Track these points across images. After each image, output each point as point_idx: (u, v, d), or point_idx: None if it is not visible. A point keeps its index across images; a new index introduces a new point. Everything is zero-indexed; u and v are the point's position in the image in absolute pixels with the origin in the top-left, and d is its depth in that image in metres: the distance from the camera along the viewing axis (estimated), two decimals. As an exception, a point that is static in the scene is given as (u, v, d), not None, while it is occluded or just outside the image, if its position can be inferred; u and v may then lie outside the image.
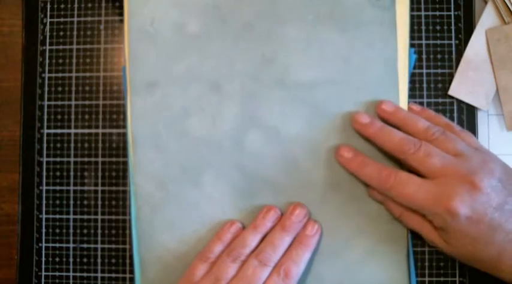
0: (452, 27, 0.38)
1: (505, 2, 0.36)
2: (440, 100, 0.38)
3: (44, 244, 0.39)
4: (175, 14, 0.37)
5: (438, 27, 0.38)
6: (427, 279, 0.37)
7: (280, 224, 0.34)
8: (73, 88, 0.39)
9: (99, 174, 0.39)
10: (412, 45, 0.38)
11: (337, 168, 0.36)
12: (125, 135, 0.39)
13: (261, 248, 0.33)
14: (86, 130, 0.39)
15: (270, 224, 0.35)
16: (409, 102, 0.37)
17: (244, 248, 0.33)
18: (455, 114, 0.38)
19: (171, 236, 0.37)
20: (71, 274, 0.39)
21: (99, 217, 0.39)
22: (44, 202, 0.39)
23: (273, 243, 0.33)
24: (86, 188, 0.39)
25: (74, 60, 0.40)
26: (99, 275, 0.38)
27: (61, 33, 0.40)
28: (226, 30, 0.37)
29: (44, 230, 0.39)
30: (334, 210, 0.36)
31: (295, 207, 0.35)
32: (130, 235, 0.38)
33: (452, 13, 0.38)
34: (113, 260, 0.38)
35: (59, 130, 0.39)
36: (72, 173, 0.39)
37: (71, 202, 0.39)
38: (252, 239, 0.34)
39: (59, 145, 0.39)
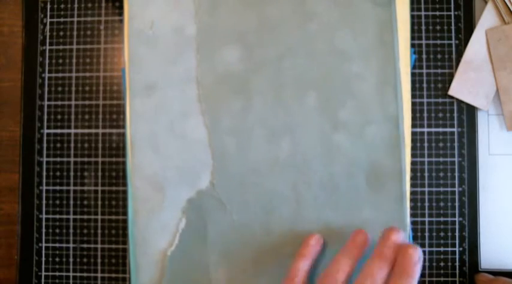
0: (452, 27, 0.38)
1: (505, 2, 0.36)
2: (440, 100, 0.38)
3: (44, 244, 0.39)
4: (174, 17, 0.38)
5: (438, 27, 0.38)
6: (427, 279, 0.37)
7: (377, 253, 0.31)
8: (73, 88, 0.39)
9: (99, 174, 0.39)
10: (412, 45, 0.38)
11: (334, 164, 0.36)
12: (124, 135, 0.39)
13: (360, 282, 0.30)
14: (86, 130, 0.39)
15: (362, 250, 0.32)
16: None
17: (339, 273, 0.31)
18: (455, 114, 0.38)
19: (167, 240, 0.37)
20: (71, 274, 0.39)
21: (99, 217, 0.39)
22: (44, 202, 0.39)
23: (372, 275, 0.30)
24: (86, 188, 0.39)
25: (74, 60, 0.40)
26: (99, 275, 0.38)
27: (61, 33, 0.40)
28: (225, 33, 0.37)
29: (44, 230, 0.39)
30: (333, 213, 0.36)
31: (391, 231, 0.31)
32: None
33: (452, 13, 0.38)
34: (113, 260, 0.38)
35: (59, 130, 0.39)
36: (72, 173, 0.39)
37: (71, 202, 0.39)
38: (346, 264, 0.31)
39: (59, 145, 0.39)
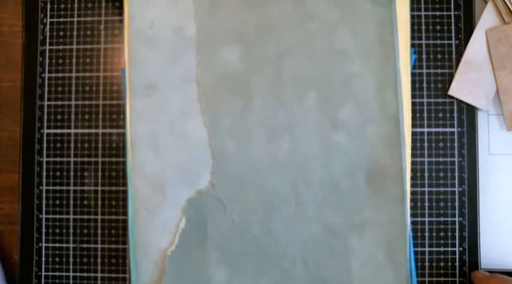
0: (452, 27, 0.38)
1: (505, 2, 0.36)
2: (440, 100, 0.38)
3: (44, 244, 0.39)
4: (174, 17, 0.38)
5: (438, 27, 0.38)
6: (427, 279, 0.37)
7: None
8: (73, 88, 0.39)
9: (99, 174, 0.39)
10: (412, 45, 0.38)
11: (334, 164, 0.36)
12: (124, 135, 0.39)
13: None
14: (86, 130, 0.39)
15: None
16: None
17: None
18: (455, 114, 0.38)
19: (167, 240, 0.37)
20: (71, 274, 0.39)
21: (99, 217, 0.39)
22: (44, 202, 0.39)
23: None
24: (86, 188, 0.39)
25: (74, 60, 0.40)
26: (99, 275, 0.38)
27: (61, 33, 0.40)
28: (225, 33, 0.37)
29: (44, 230, 0.39)
30: (333, 213, 0.36)
31: None
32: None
33: (452, 13, 0.38)
34: (113, 260, 0.38)
35: (59, 130, 0.39)
36: (72, 173, 0.39)
37: (71, 202, 0.39)
38: None
39: (59, 145, 0.39)
